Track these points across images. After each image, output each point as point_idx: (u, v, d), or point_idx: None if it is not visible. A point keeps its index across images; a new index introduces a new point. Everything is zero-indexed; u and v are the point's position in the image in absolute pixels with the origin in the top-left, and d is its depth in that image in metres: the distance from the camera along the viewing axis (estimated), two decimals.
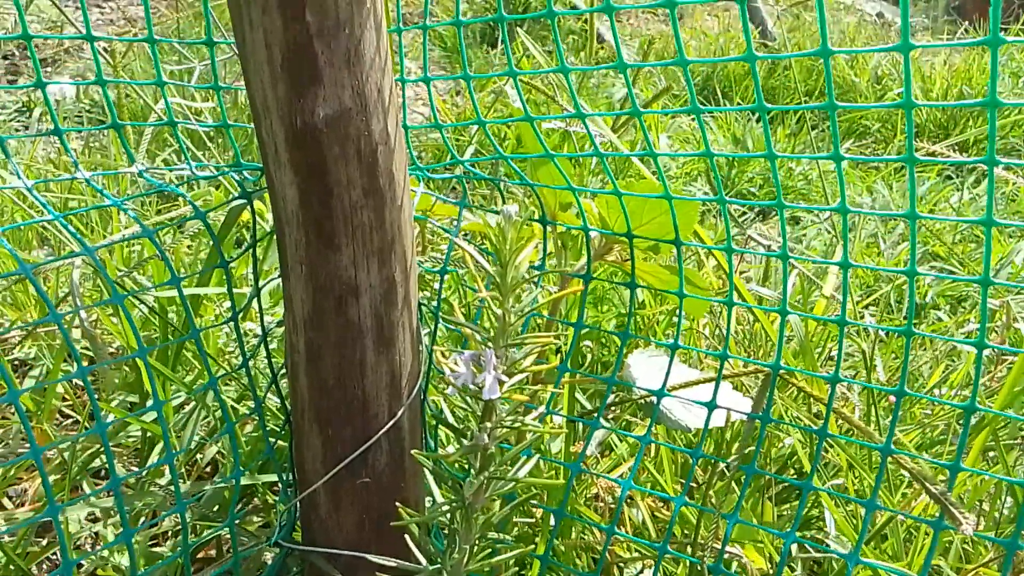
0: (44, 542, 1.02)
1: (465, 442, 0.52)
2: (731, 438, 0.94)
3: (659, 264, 0.79)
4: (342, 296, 0.69)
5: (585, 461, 0.80)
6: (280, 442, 0.89)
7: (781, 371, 0.65)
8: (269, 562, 0.81)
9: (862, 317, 1.51)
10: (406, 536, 0.56)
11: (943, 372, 1.24)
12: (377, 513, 0.73)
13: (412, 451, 0.55)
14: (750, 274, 1.56)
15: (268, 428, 0.81)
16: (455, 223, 0.81)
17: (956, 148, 3.13)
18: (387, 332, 0.71)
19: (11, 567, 0.87)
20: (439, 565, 0.53)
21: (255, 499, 1.04)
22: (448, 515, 0.54)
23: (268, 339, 0.77)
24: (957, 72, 3.53)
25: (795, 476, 1.15)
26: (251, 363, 0.75)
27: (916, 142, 3.05)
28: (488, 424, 0.51)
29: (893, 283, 1.82)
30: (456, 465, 0.85)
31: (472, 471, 0.53)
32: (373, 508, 0.73)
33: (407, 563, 0.55)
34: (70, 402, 1.20)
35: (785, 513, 1.05)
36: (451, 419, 0.52)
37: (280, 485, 0.82)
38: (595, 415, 0.72)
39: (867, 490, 0.95)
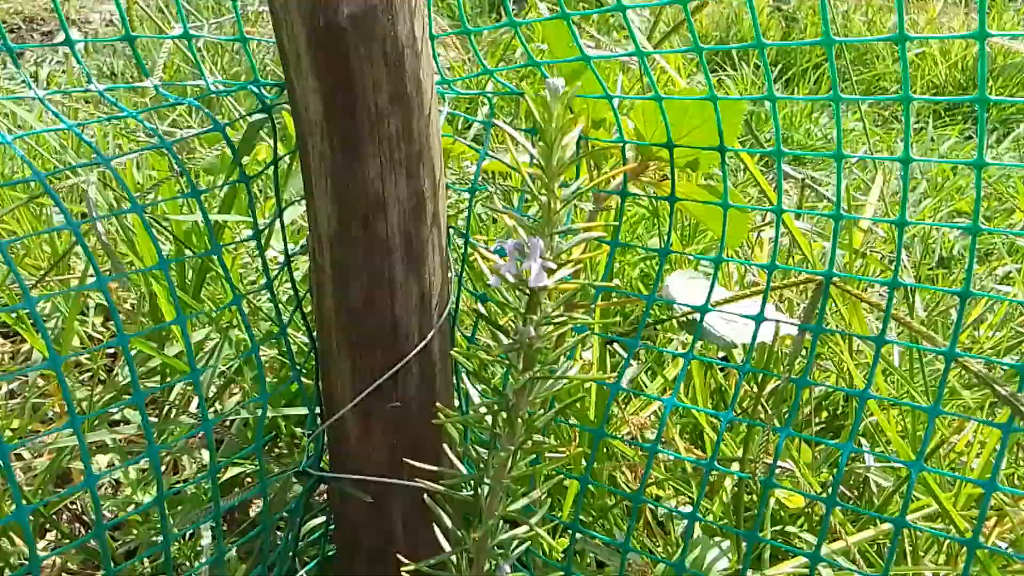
0: (64, 491, 1.00)
1: (504, 340, 0.49)
2: (772, 363, 0.91)
3: (696, 185, 0.76)
4: (369, 211, 0.66)
5: (618, 394, 0.77)
6: (305, 379, 0.86)
7: (834, 279, 0.61)
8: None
9: (891, 263, 1.47)
10: (444, 446, 0.53)
11: (980, 312, 1.21)
12: (408, 439, 0.71)
13: (451, 351, 0.52)
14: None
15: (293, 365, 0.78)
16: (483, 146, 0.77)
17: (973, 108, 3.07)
18: (416, 250, 0.67)
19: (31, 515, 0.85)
20: (481, 471, 0.50)
21: (280, 441, 1.02)
22: (489, 419, 0.51)
23: (292, 266, 0.74)
24: None
25: (829, 418, 1.12)
26: (275, 289, 0.72)
27: (934, 106, 3.00)
28: (534, 317, 0.48)
29: (918, 235, 1.79)
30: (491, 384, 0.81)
31: (513, 371, 0.50)
32: (404, 434, 0.71)
33: (447, 471, 0.53)
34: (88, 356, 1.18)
35: (818, 455, 1.02)
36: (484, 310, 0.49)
37: (307, 419, 0.80)
38: (634, 335, 0.69)
39: (911, 425, 0.92)
